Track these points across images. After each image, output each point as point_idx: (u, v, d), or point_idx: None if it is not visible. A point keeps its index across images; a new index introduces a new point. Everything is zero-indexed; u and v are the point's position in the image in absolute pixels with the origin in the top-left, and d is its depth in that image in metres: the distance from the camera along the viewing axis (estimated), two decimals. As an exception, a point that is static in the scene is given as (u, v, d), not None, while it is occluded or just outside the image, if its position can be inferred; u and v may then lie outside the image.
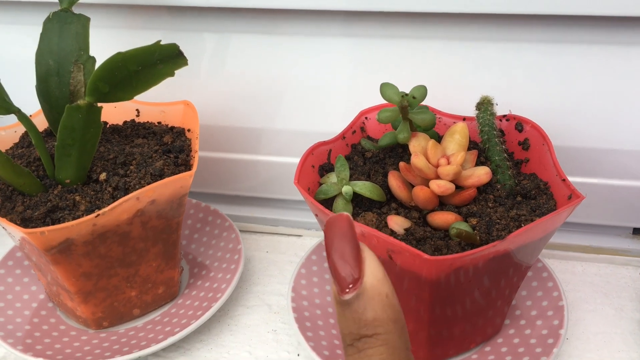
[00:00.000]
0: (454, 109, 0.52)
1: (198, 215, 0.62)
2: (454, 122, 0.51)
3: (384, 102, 0.48)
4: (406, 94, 0.44)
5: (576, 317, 0.52)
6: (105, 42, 0.55)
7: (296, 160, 0.60)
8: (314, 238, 0.63)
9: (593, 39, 0.49)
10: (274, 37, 0.55)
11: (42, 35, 0.48)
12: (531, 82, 0.52)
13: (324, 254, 0.56)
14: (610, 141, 0.53)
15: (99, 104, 0.45)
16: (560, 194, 0.43)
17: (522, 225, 0.41)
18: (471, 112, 0.49)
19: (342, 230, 0.29)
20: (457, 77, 0.53)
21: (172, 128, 0.55)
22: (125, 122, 0.56)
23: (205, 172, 0.64)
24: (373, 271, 0.28)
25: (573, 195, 0.41)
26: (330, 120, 0.58)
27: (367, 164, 0.48)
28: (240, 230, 0.61)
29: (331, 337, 0.49)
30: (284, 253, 0.62)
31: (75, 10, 0.48)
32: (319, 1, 0.50)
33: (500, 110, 0.49)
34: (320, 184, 0.47)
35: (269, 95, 0.58)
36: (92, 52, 0.48)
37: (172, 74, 0.45)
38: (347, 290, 0.27)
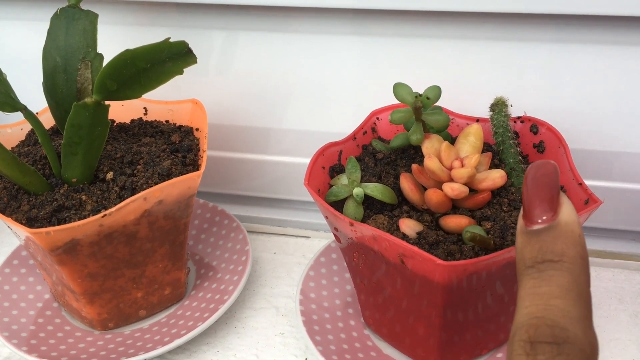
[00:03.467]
0: (467, 110, 0.51)
1: (205, 216, 0.62)
2: (468, 124, 0.50)
3: (395, 102, 0.47)
4: (420, 95, 0.43)
5: (589, 324, 0.51)
6: (113, 39, 0.54)
7: (305, 160, 0.59)
8: (322, 239, 0.62)
9: (609, 39, 0.48)
10: (283, 35, 0.54)
11: (49, 31, 0.47)
12: (546, 83, 0.51)
13: (332, 256, 0.56)
14: (625, 144, 0.52)
15: (107, 102, 0.44)
16: (576, 198, 0.42)
17: (538, 230, 0.40)
18: (485, 113, 0.48)
19: (547, 173, 0.30)
20: (471, 78, 0.52)
21: (180, 127, 0.54)
22: (132, 121, 0.55)
23: (212, 172, 0.63)
24: (570, 213, 0.29)
25: (590, 200, 0.40)
26: (340, 120, 0.57)
27: (378, 166, 0.47)
28: (248, 231, 0.60)
29: (340, 341, 0.48)
30: (292, 254, 0.61)
31: (83, 6, 0.48)
32: (329, -1, 0.50)
33: (514, 111, 0.48)
34: (331, 186, 0.46)
35: (277, 94, 0.57)
36: (99, 49, 0.47)
37: (181, 72, 0.44)
38: (539, 221, 0.29)
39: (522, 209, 0.30)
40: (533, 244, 0.29)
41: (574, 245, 0.28)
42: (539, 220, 0.29)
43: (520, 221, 0.30)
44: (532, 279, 0.28)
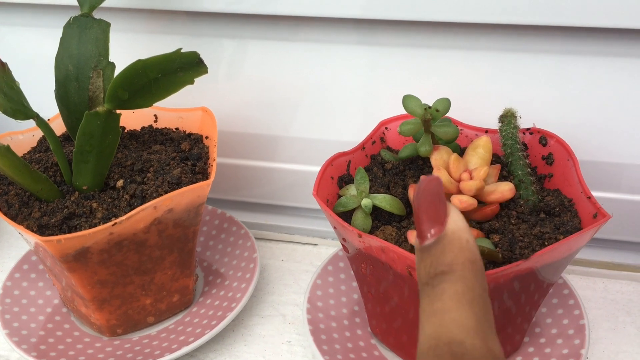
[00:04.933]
0: (475, 120, 0.51)
1: (214, 222, 0.62)
2: (476, 135, 0.50)
3: (404, 111, 0.47)
4: (429, 107, 0.43)
5: (597, 336, 0.51)
6: (125, 46, 0.55)
7: (313, 168, 0.59)
8: (330, 247, 0.63)
9: (618, 51, 0.48)
10: (292, 44, 0.54)
11: (61, 39, 0.48)
12: (555, 95, 0.51)
13: (340, 264, 0.56)
14: (634, 156, 0.52)
15: (118, 111, 0.44)
16: (585, 211, 0.42)
17: (546, 243, 0.40)
18: (494, 124, 0.48)
19: (429, 188, 0.30)
20: (479, 88, 0.52)
21: (190, 135, 0.54)
22: (143, 128, 0.55)
23: (221, 179, 0.63)
24: (456, 221, 0.29)
25: (599, 214, 0.40)
26: (347, 129, 0.57)
27: (386, 176, 0.47)
28: (256, 238, 0.60)
29: (347, 350, 0.48)
30: (300, 262, 0.61)
31: (96, 14, 0.48)
32: (338, 9, 0.50)
33: (523, 123, 0.48)
34: (339, 196, 0.46)
35: (286, 103, 0.58)
36: (111, 56, 0.48)
37: (192, 82, 0.44)
38: (428, 236, 0.28)
39: (416, 226, 0.30)
40: (426, 260, 0.28)
41: (461, 252, 0.28)
42: (428, 235, 0.28)
43: (415, 240, 0.30)
44: (427, 296, 0.27)
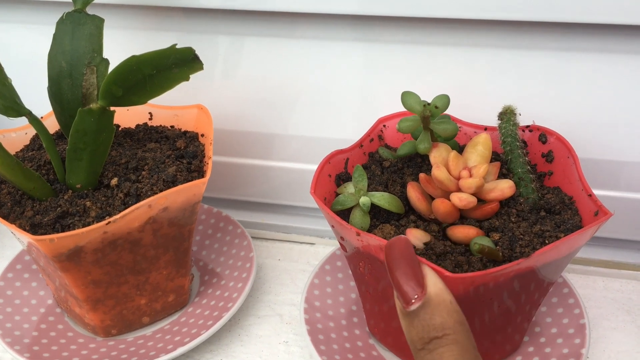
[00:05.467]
0: (474, 118, 0.50)
1: (209, 221, 0.61)
2: (475, 132, 0.49)
3: (402, 109, 0.47)
4: (428, 104, 0.43)
5: (597, 335, 0.50)
6: (119, 43, 0.54)
7: (309, 166, 0.59)
8: (327, 246, 0.62)
9: (618, 48, 0.48)
10: (289, 41, 0.54)
11: (55, 36, 0.47)
12: (554, 92, 0.50)
13: (337, 264, 0.55)
14: (634, 153, 0.52)
15: (112, 108, 0.44)
16: (585, 209, 0.42)
17: (547, 241, 0.39)
18: (492, 121, 0.48)
19: (402, 251, 0.32)
20: (478, 85, 0.52)
21: (185, 132, 0.53)
22: (137, 126, 0.55)
23: (217, 177, 0.63)
24: (435, 283, 0.31)
25: (600, 212, 0.40)
26: (345, 126, 0.57)
27: (384, 174, 0.47)
28: (252, 237, 0.60)
29: (344, 351, 0.48)
30: (296, 261, 0.60)
31: (89, 10, 0.47)
32: (335, 5, 0.49)
33: (523, 120, 0.47)
34: (337, 194, 0.46)
35: (282, 100, 0.57)
36: (105, 53, 0.47)
37: (187, 79, 0.44)
38: (413, 301, 0.31)
39: (394, 291, 0.31)
40: (416, 325, 0.30)
41: (449, 314, 0.30)
42: (413, 300, 0.31)
43: (398, 303, 0.31)
44: None
